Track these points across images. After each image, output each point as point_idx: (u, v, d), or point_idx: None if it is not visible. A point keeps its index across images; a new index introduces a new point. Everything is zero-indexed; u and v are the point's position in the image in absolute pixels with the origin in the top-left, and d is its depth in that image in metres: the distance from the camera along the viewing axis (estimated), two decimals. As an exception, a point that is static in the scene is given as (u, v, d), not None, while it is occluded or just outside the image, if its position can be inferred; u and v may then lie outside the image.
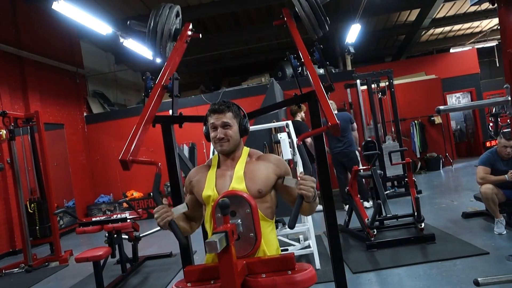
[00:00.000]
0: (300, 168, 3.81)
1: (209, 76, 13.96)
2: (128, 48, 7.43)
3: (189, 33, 2.48)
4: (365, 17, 8.70)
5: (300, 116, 5.92)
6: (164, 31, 2.29)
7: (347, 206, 4.73)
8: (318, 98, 1.87)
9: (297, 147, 1.67)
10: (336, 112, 5.90)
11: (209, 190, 1.58)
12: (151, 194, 1.60)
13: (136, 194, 8.02)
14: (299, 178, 1.46)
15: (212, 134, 1.62)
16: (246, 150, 1.68)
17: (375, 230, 3.93)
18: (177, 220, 1.59)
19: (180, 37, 2.41)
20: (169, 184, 2.41)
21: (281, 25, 2.49)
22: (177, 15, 2.46)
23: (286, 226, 3.88)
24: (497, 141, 3.99)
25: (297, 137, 4.01)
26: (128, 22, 2.55)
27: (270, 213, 1.59)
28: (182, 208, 1.61)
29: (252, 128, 2.46)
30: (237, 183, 1.54)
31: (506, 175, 3.74)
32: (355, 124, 5.90)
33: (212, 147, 3.34)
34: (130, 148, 1.66)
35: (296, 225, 3.96)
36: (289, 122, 4.14)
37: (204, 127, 1.71)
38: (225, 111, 1.60)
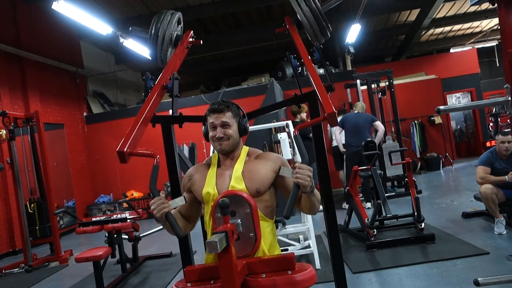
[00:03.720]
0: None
1: (209, 76, 13.95)
2: (128, 48, 7.43)
3: (190, 39, 2.49)
4: (365, 17, 8.70)
5: (300, 117, 5.94)
6: (165, 37, 2.31)
7: (348, 205, 4.73)
8: (317, 92, 1.83)
9: (294, 137, 1.67)
10: (361, 112, 5.96)
11: (210, 187, 1.58)
12: (149, 187, 1.53)
13: (136, 194, 8.02)
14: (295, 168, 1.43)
15: (211, 134, 1.62)
16: (245, 149, 1.68)
17: (375, 230, 3.93)
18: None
19: (181, 42, 2.43)
20: (169, 184, 2.41)
21: (283, 31, 2.50)
22: (178, 22, 2.48)
23: (286, 226, 3.88)
24: (495, 140, 4.00)
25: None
26: (130, 28, 2.56)
27: (269, 213, 1.58)
28: (179, 201, 1.55)
29: (252, 128, 2.47)
30: (236, 183, 1.54)
31: (506, 176, 3.74)
32: (378, 122, 5.85)
33: (211, 147, 3.34)
34: (128, 140, 1.66)
35: (296, 225, 3.97)
36: (289, 122, 4.14)
37: (203, 127, 1.70)
38: (225, 111, 1.60)
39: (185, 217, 1.70)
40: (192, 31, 2.54)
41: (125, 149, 1.63)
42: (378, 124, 5.82)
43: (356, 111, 6.04)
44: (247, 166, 1.59)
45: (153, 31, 2.32)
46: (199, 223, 1.84)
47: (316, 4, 2.26)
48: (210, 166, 1.67)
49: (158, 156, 1.63)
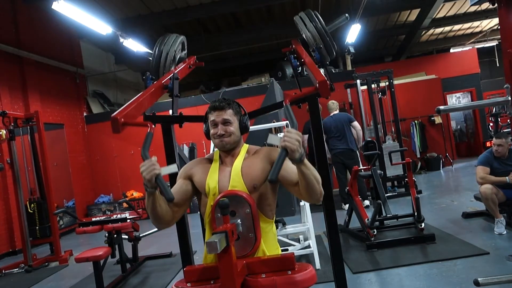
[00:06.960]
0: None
1: (209, 76, 13.96)
2: (128, 48, 7.43)
3: (193, 62, 2.60)
4: (365, 17, 8.70)
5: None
6: (169, 55, 2.36)
7: (347, 205, 4.73)
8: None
9: (285, 106, 1.72)
10: (337, 112, 5.92)
11: (212, 180, 1.57)
12: (141, 153, 1.50)
13: (136, 194, 8.02)
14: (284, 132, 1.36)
15: (212, 131, 1.61)
16: (245, 146, 1.68)
17: (375, 230, 3.93)
18: (159, 201, 1.48)
19: (184, 61, 2.51)
20: (169, 184, 2.41)
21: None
22: (182, 48, 2.55)
23: (286, 226, 3.88)
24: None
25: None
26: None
27: (270, 212, 1.58)
28: (172, 168, 1.45)
29: (252, 128, 2.47)
30: (236, 181, 1.54)
31: (507, 178, 3.74)
32: (355, 123, 5.83)
33: (212, 146, 3.34)
34: (126, 109, 1.66)
35: (296, 225, 3.97)
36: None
37: (204, 125, 1.70)
38: (226, 108, 1.61)
39: (174, 204, 1.57)
40: (195, 57, 2.64)
41: (120, 117, 1.59)
42: (356, 125, 5.78)
43: (331, 114, 5.91)
44: (245, 162, 1.59)
45: (156, 53, 2.37)
46: (198, 221, 1.83)
47: (322, 24, 2.27)
48: (212, 161, 1.66)
49: (153, 125, 1.62)
